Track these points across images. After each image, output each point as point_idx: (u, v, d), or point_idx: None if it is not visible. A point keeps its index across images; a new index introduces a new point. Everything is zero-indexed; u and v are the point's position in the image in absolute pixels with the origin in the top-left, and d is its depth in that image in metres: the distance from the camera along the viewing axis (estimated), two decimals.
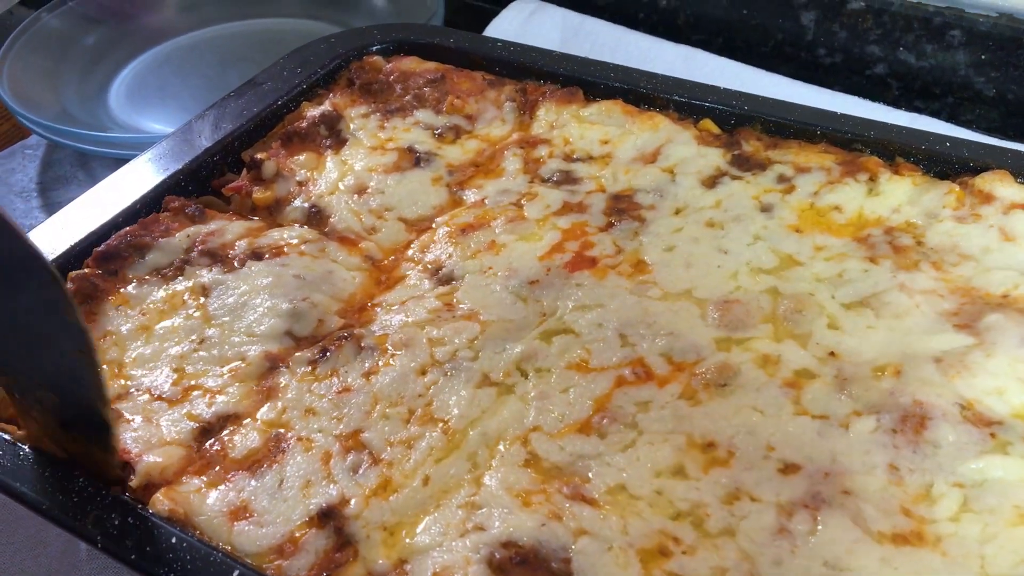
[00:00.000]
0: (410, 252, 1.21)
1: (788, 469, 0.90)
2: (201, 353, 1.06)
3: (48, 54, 1.94)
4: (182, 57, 2.06)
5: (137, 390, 1.03)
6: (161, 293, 1.14)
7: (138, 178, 1.27)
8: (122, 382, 1.04)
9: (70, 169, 1.79)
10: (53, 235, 1.18)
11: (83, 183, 1.26)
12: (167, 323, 1.10)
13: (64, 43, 1.99)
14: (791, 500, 0.87)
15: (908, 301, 1.05)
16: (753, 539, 0.84)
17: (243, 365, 1.05)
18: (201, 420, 0.99)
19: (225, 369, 1.05)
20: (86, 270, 1.14)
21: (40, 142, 1.86)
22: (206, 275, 1.15)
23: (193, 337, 1.08)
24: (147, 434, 0.98)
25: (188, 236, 1.19)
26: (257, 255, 1.17)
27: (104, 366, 1.05)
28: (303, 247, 1.19)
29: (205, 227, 1.21)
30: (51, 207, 1.23)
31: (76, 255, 1.16)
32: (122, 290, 1.14)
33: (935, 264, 1.10)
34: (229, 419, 1.00)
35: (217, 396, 1.02)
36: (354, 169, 1.32)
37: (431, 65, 1.50)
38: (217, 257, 1.17)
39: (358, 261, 1.19)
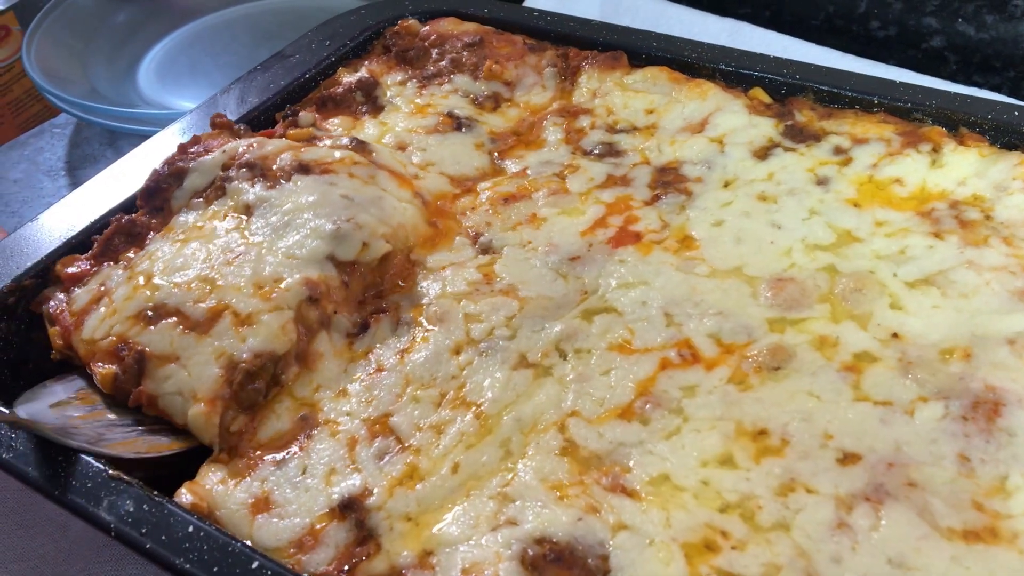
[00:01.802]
0: (455, 206, 1.16)
1: (847, 459, 0.83)
2: (234, 268, 1.00)
3: (77, 32, 1.91)
4: (213, 35, 2.03)
5: (166, 310, 0.98)
6: (199, 215, 1.09)
7: (160, 153, 1.22)
8: (148, 293, 0.99)
9: (98, 148, 1.76)
10: (73, 211, 1.15)
11: (111, 162, 1.22)
12: (206, 242, 1.05)
13: (94, 21, 1.96)
14: (851, 492, 0.80)
15: (977, 279, 0.98)
16: (809, 534, 0.78)
17: (281, 290, 0.98)
18: (237, 362, 0.93)
19: (260, 293, 0.98)
20: (135, 214, 1.12)
21: (68, 121, 1.84)
22: (249, 192, 1.08)
23: (231, 255, 1.02)
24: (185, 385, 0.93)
25: (224, 152, 1.13)
26: (304, 168, 1.10)
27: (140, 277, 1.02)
28: (353, 168, 1.12)
29: (244, 141, 1.16)
30: (79, 186, 1.19)
31: (97, 231, 1.12)
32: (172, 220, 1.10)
33: (1006, 239, 1.02)
34: (269, 361, 0.94)
35: (249, 327, 0.95)
36: (394, 129, 1.27)
37: (470, 27, 1.44)
38: (258, 170, 1.10)
39: (409, 195, 1.13)
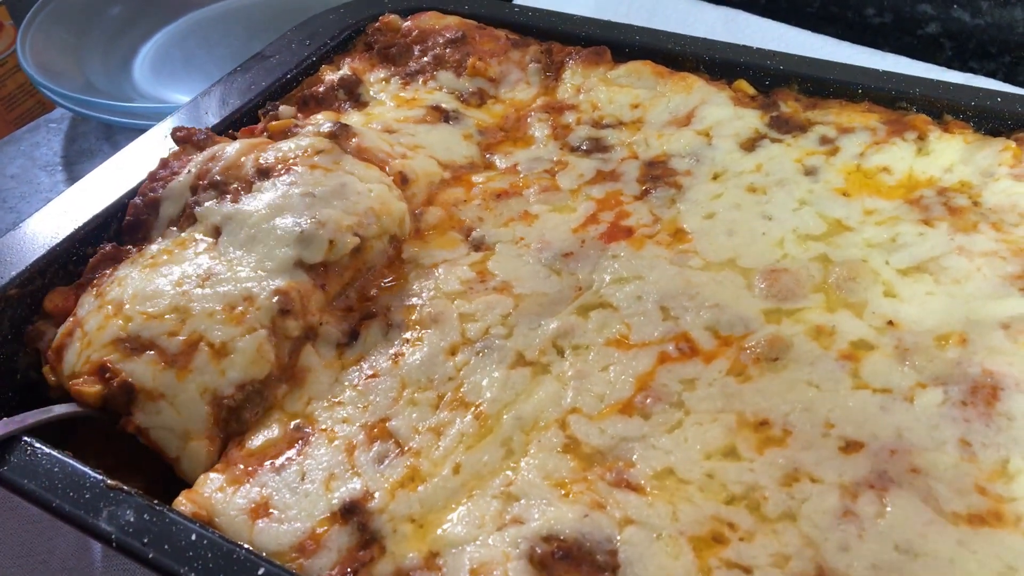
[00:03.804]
0: (446, 195, 1.15)
1: (850, 447, 0.83)
2: (205, 292, 0.97)
3: (72, 26, 1.90)
4: (207, 28, 2.02)
5: (141, 342, 0.95)
6: (170, 243, 1.07)
7: (155, 149, 1.20)
8: (120, 322, 0.96)
9: (95, 142, 1.75)
10: (66, 211, 1.13)
11: (108, 156, 1.21)
12: (175, 266, 1.02)
13: (88, 15, 1.94)
14: (855, 480, 0.80)
15: (968, 264, 0.99)
16: (816, 523, 0.78)
17: (253, 309, 0.96)
18: (221, 397, 0.92)
19: (232, 316, 0.96)
20: (123, 244, 1.10)
21: (64, 116, 1.82)
22: (216, 213, 1.06)
23: (201, 279, 0.99)
24: (177, 423, 0.92)
25: (190, 173, 1.11)
26: (264, 173, 1.07)
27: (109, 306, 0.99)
28: (316, 159, 1.09)
29: (206, 153, 1.13)
30: (76, 181, 1.18)
31: (85, 239, 1.11)
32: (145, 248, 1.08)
33: (994, 225, 1.03)
34: (253, 391, 0.93)
35: (226, 358, 0.93)
36: (382, 118, 1.25)
37: (452, 20, 1.43)
38: (221, 187, 1.08)
39: (377, 175, 1.10)
